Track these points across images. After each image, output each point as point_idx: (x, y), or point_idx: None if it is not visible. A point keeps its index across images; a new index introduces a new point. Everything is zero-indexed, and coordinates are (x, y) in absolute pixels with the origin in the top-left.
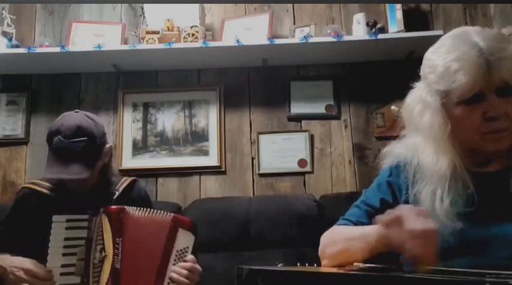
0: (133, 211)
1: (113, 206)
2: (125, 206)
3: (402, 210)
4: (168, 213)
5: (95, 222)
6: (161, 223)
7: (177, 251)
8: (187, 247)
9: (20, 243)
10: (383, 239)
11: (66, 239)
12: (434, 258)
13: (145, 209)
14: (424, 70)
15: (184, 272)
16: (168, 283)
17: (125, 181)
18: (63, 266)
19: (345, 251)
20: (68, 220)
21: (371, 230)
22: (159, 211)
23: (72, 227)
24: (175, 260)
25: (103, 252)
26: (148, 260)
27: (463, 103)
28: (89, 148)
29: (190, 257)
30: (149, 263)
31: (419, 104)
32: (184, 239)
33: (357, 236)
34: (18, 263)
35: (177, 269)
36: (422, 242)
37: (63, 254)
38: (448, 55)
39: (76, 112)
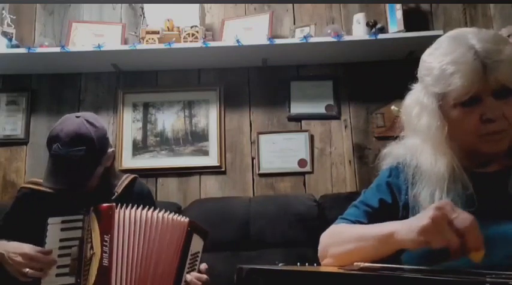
0: (126, 209)
1: (103, 204)
2: (114, 204)
3: (438, 211)
4: (181, 216)
5: (87, 221)
6: (177, 226)
7: (191, 255)
8: (199, 252)
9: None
10: (422, 244)
11: (61, 240)
12: (483, 245)
13: (146, 207)
14: (420, 72)
15: (199, 284)
16: None
17: (125, 179)
18: (58, 267)
19: (357, 251)
20: (63, 221)
21: (396, 229)
22: (177, 215)
23: (67, 228)
24: (189, 263)
25: (92, 250)
26: (162, 262)
27: (460, 106)
28: (87, 157)
29: (203, 265)
30: (163, 264)
31: (417, 106)
32: (197, 244)
33: (376, 236)
34: (15, 248)
35: (193, 281)
36: (471, 235)
37: (59, 255)
38: (444, 58)
39: (77, 116)
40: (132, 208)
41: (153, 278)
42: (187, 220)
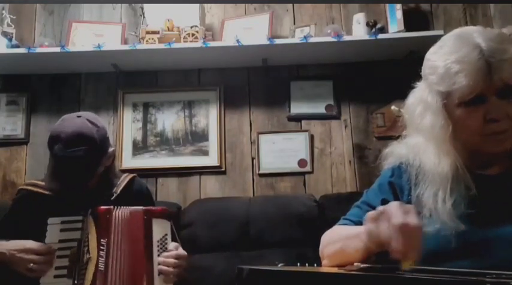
0: (120, 211)
1: (101, 207)
2: (112, 207)
3: (389, 206)
4: (138, 207)
5: (86, 223)
6: (135, 219)
7: (158, 242)
8: (166, 234)
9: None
10: (371, 236)
11: (60, 241)
12: (416, 255)
13: (125, 207)
14: (425, 70)
15: (171, 260)
16: (159, 275)
17: (124, 179)
18: (56, 268)
19: (341, 251)
20: (62, 222)
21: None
22: (132, 207)
23: (67, 228)
24: (158, 250)
25: (88, 254)
26: (133, 258)
27: (464, 105)
28: (89, 156)
29: (172, 244)
30: (134, 260)
31: (420, 105)
32: (161, 228)
33: (352, 235)
34: (15, 246)
35: (164, 261)
36: (406, 238)
37: (58, 256)
38: (449, 57)
39: (78, 116)
40: (128, 208)
41: (134, 274)
42: (141, 209)
